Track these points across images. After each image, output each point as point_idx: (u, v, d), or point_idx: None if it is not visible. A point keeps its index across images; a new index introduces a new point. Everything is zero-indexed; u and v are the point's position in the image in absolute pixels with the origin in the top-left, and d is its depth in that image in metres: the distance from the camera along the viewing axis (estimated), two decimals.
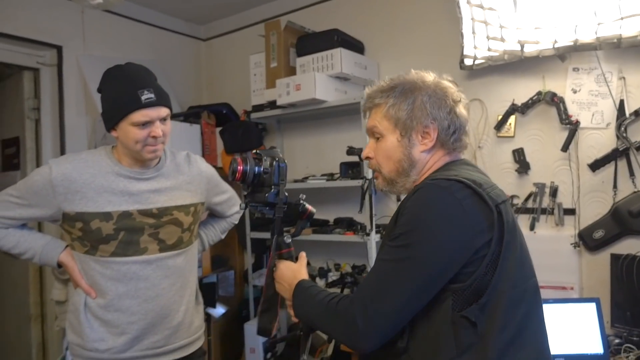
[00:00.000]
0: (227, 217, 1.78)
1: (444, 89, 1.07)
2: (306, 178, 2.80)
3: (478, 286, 0.92)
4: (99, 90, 1.47)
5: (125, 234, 1.43)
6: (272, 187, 1.18)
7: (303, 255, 1.21)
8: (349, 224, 2.60)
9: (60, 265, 1.50)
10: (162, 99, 1.42)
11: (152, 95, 1.38)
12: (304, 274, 1.16)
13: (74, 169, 1.41)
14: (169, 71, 3.21)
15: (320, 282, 2.67)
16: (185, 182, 1.56)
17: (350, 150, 2.56)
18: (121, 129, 1.40)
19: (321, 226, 2.73)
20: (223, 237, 1.85)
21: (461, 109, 1.08)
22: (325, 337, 2.47)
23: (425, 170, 1.08)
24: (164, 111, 1.42)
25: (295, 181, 2.83)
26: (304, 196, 1.78)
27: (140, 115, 1.37)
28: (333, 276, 2.69)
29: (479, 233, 0.92)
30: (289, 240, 1.23)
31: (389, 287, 0.93)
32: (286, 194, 1.18)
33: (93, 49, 2.92)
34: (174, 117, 1.89)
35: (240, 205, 1.23)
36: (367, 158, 1.14)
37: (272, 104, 2.74)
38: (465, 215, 0.92)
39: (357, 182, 2.47)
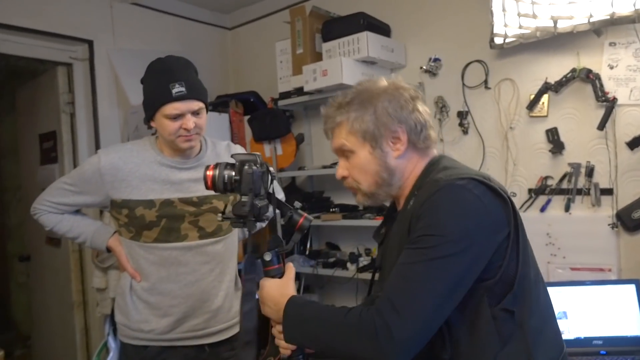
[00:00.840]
0: None
1: (400, 90, 1.05)
2: (334, 164, 2.79)
3: (507, 276, 0.93)
4: (142, 82, 1.54)
5: (167, 221, 1.51)
6: (243, 196, 1.08)
7: (290, 266, 1.10)
8: (379, 209, 2.60)
9: (109, 249, 1.60)
10: (193, 93, 1.46)
11: (183, 89, 1.43)
12: (292, 290, 1.05)
13: (120, 158, 1.50)
14: (196, 61, 3.18)
15: (352, 267, 2.68)
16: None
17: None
18: (156, 121, 1.48)
19: (351, 211, 2.73)
20: (264, 224, 1.88)
21: (421, 105, 1.06)
22: None
23: (407, 174, 1.06)
24: (195, 104, 1.46)
25: (324, 167, 2.84)
26: (299, 205, 1.78)
27: (171, 108, 1.43)
28: (364, 261, 2.70)
29: (500, 227, 0.93)
30: (269, 258, 1.09)
31: (421, 291, 0.88)
32: (258, 204, 1.07)
33: (122, 42, 2.97)
34: None
35: (219, 216, 1.15)
36: (343, 178, 1.10)
37: (299, 91, 2.74)
38: (487, 210, 0.92)
39: None
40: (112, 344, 2.57)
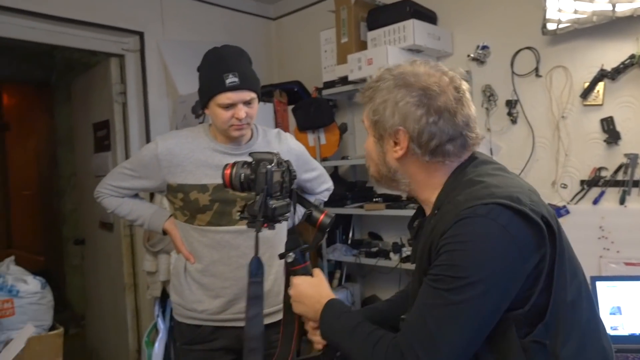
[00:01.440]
0: (317, 193, 1.83)
1: (437, 96, 0.91)
2: None
3: (537, 306, 0.85)
4: (198, 70, 1.59)
5: (219, 205, 1.56)
6: (258, 195, 1.07)
7: (318, 271, 1.08)
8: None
9: (165, 232, 1.67)
10: (246, 83, 1.50)
11: (236, 80, 1.47)
12: (327, 289, 1.03)
13: (176, 144, 1.56)
14: None
15: (394, 257, 2.68)
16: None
17: None
18: (210, 109, 1.53)
19: (394, 201, 2.72)
20: (288, 222, 1.90)
21: (461, 111, 0.92)
22: None
23: (421, 178, 0.96)
24: (247, 95, 1.50)
25: None
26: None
27: (224, 98, 1.48)
28: (407, 251, 2.69)
29: (529, 255, 0.84)
30: (290, 260, 1.06)
31: (445, 335, 0.82)
32: (273, 204, 1.04)
33: (171, 33, 3.05)
34: None
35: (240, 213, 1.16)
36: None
37: (344, 80, 2.73)
38: (513, 241, 0.82)
39: None
40: (161, 325, 2.67)
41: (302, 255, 1.06)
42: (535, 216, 0.84)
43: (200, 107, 1.60)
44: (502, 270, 0.82)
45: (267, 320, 1.63)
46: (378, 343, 0.89)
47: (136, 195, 1.72)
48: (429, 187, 0.97)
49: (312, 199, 1.83)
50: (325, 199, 1.89)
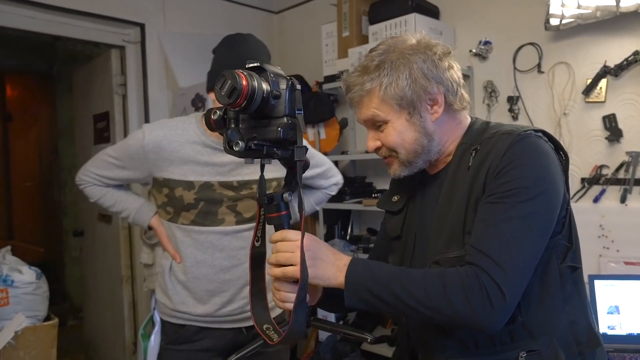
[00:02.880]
0: (324, 188, 1.75)
1: (432, 47, 0.96)
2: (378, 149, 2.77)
3: (567, 232, 0.93)
4: (214, 51, 1.52)
5: (204, 205, 1.48)
6: (285, 118, 0.84)
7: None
8: None
9: (150, 227, 1.60)
10: None
11: None
12: (335, 250, 0.94)
13: (164, 136, 1.47)
14: None
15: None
16: None
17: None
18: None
19: None
20: (318, 208, 1.82)
21: (454, 62, 0.99)
22: None
23: (447, 137, 1.00)
24: None
25: (367, 152, 2.81)
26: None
27: None
28: None
29: (563, 180, 0.93)
30: (290, 198, 0.91)
31: (522, 247, 0.84)
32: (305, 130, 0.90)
33: (172, 25, 3.04)
34: None
35: (237, 144, 0.83)
36: (376, 149, 1.01)
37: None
38: (558, 163, 0.92)
39: None
40: (157, 318, 2.67)
41: (281, 199, 0.90)
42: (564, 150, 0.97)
43: (207, 89, 1.51)
44: (559, 185, 0.90)
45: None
46: (444, 274, 0.85)
47: (121, 186, 1.64)
48: (453, 141, 1.01)
49: (319, 194, 1.76)
50: (334, 193, 1.80)
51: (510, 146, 0.88)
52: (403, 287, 0.86)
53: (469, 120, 1.04)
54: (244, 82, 0.78)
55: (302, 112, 0.86)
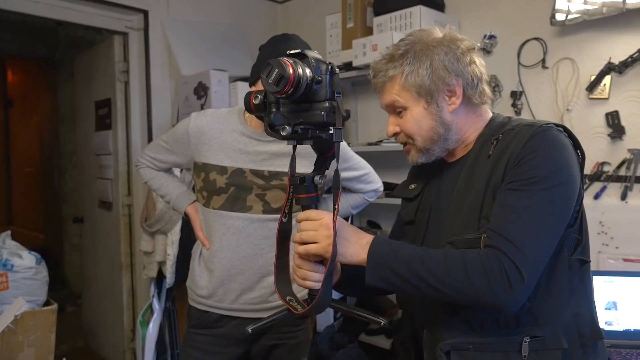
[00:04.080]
0: (362, 193, 1.77)
1: (456, 41, 1.02)
2: (380, 141, 2.77)
3: (579, 226, 0.96)
4: (260, 48, 1.58)
5: (234, 190, 1.53)
6: (327, 102, 0.87)
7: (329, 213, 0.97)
8: None
9: (186, 214, 1.69)
10: None
11: None
12: (357, 229, 0.98)
13: (206, 123, 1.56)
14: (246, 35, 3.26)
15: None
16: (305, 151, 1.56)
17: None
18: (259, 85, 1.49)
19: (394, 189, 2.69)
20: (354, 212, 1.84)
21: (477, 57, 1.03)
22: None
23: (467, 128, 1.04)
24: None
25: (369, 144, 2.81)
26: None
27: None
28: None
29: (579, 174, 0.96)
30: (321, 181, 0.94)
31: (540, 232, 0.88)
32: (344, 112, 0.92)
33: (176, 13, 3.02)
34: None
35: (284, 129, 0.87)
36: (395, 134, 1.07)
37: (348, 66, 2.70)
38: (575, 157, 0.96)
39: None
40: (156, 306, 2.68)
41: (312, 182, 0.93)
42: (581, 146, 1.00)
43: (250, 82, 1.58)
44: (577, 177, 0.93)
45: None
46: (466, 255, 0.89)
47: (170, 172, 1.77)
48: (473, 132, 1.05)
49: (357, 197, 1.77)
50: (372, 200, 1.81)
51: (532, 137, 0.92)
52: (425, 267, 0.89)
53: (490, 114, 1.07)
54: (291, 70, 0.81)
55: (340, 95, 0.89)
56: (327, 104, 0.87)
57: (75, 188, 4.23)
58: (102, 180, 3.22)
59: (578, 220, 0.95)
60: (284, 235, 1.01)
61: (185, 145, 1.58)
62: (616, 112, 2.13)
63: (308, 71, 0.84)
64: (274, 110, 0.89)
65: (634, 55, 2.05)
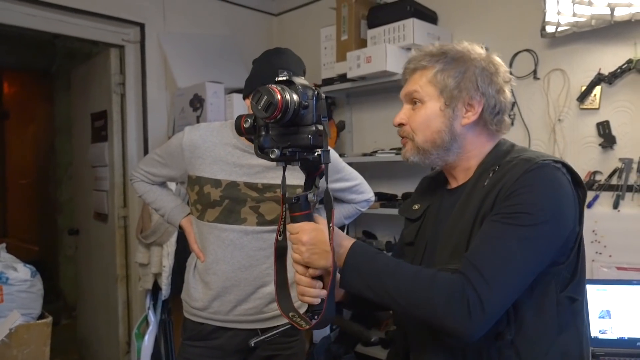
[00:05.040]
0: (355, 203, 1.78)
1: (496, 66, 1.02)
2: (375, 152, 2.79)
3: (572, 264, 0.94)
4: (253, 62, 1.61)
5: (229, 203, 1.55)
6: (314, 125, 0.91)
7: (322, 219, 1.00)
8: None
9: (181, 227, 1.70)
10: None
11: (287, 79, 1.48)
12: (344, 235, 0.99)
13: (200, 137, 1.57)
14: (242, 47, 3.30)
15: None
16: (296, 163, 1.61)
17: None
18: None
19: (389, 200, 2.72)
20: (347, 222, 1.86)
21: (508, 91, 1.04)
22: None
23: (470, 147, 1.03)
24: None
25: (364, 155, 2.83)
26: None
27: None
28: None
29: (577, 213, 0.94)
30: (315, 199, 0.98)
31: (511, 267, 0.87)
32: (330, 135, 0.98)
33: (172, 26, 3.05)
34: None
35: (273, 152, 0.92)
36: (400, 125, 1.06)
37: (342, 78, 2.73)
38: (573, 196, 0.93)
39: None
40: (152, 318, 2.67)
41: (306, 200, 0.97)
42: (583, 183, 0.97)
43: (243, 96, 1.60)
44: (567, 218, 0.91)
45: (271, 323, 1.61)
46: (436, 277, 0.89)
47: (164, 185, 1.77)
48: (476, 156, 1.04)
49: (349, 207, 1.78)
50: (364, 209, 1.83)
51: (526, 172, 0.91)
52: (392, 280, 0.91)
53: (497, 140, 1.06)
54: (279, 97, 0.86)
55: (327, 119, 0.93)
56: (314, 128, 0.91)
57: (71, 200, 4.23)
58: (98, 192, 3.22)
59: (571, 258, 0.94)
60: (280, 253, 1.03)
61: (179, 158, 1.59)
62: (607, 122, 2.16)
63: (295, 97, 0.89)
64: (263, 133, 0.93)
65: (623, 67, 2.09)
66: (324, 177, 0.98)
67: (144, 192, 1.74)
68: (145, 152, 2.92)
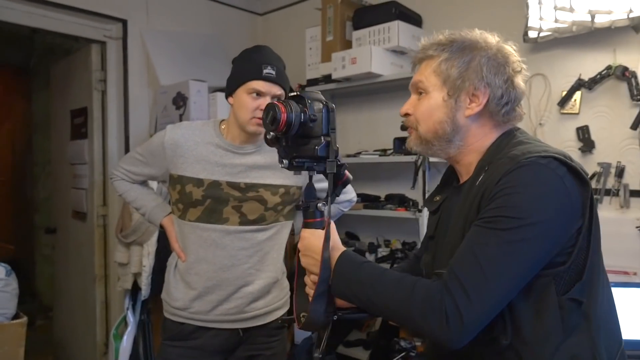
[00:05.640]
0: (337, 203, 1.78)
1: (506, 56, 0.99)
2: (359, 153, 2.80)
3: (577, 264, 0.88)
4: (233, 62, 1.60)
5: (211, 202, 1.54)
6: (322, 137, 0.95)
7: (333, 226, 1.01)
8: (400, 200, 2.59)
9: (162, 226, 1.68)
10: (280, 79, 1.52)
11: (273, 72, 1.50)
12: (340, 244, 1.00)
13: (182, 135, 1.56)
14: (227, 46, 3.27)
15: (370, 257, 2.68)
16: (276, 162, 1.59)
17: (405, 126, 2.53)
18: (237, 96, 1.53)
19: (372, 201, 2.73)
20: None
21: (519, 81, 1.00)
22: None
23: (473, 139, 1.00)
24: (277, 89, 1.52)
25: (348, 156, 2.83)
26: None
27: (256, 84, 1.49)
28: (383, 252, 2.70)
29: (577, 210, 0.87)
30: (325, 208, 1.01)
31: (493, 274, 0.83)
32: (337, 146, 0.97)
33: (156, 23, 3.01)
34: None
35: (282, 161, 0.99)
36: (406, 115, 1.05)
37: (327, 78, 2.74)
38: (567, 193, 0.86)
39: (410, 158, 2.45)
40: (131, 318, 2.63)
41: (316, 208, 1.01)
42: (585, 176, 0.89)
43: (226, 95, 1.58)
44: (557, 217, 0.85)
45: (252, 323, 1.61)
46: (416, 285, 0.88)
47: (145, 183, 1.75)
48: (477, 150, 1.01)
49: (332, 207, 1.76)
50: (346, 210, 1.85)
51: (506, 173, 0.87)
52: (374, 289, 0.91)
53: (501, 132, 1.01)
54: (283, 113, 0.92)
55: (335, 130, 0.98)
56: (322, 139, 0.95)
57: (49, 198, 4.14)
58: (77, 190, 3.16)
59: (572, 257, 0.87)
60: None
61: (161, 157, 1.58)
62: (586, 126, 2.21)
63: (302, 112, 0.94)
64: (283, 144, 0.99)
65: (602, 72, 2.13)
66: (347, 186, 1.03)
67: (124, 191, 1.71)
68: (127, 149, 2.88)
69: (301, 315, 1.01)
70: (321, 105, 0.96)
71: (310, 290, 1.00)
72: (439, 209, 1.10)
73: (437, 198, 1.13)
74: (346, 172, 1.02)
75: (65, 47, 3.58)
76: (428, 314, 0.84)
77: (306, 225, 1.02)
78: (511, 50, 1.01)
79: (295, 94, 0.98)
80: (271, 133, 0.96)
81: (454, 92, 0.98)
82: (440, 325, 0.83)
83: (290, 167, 0.98)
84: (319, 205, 1.01)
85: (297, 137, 0.96)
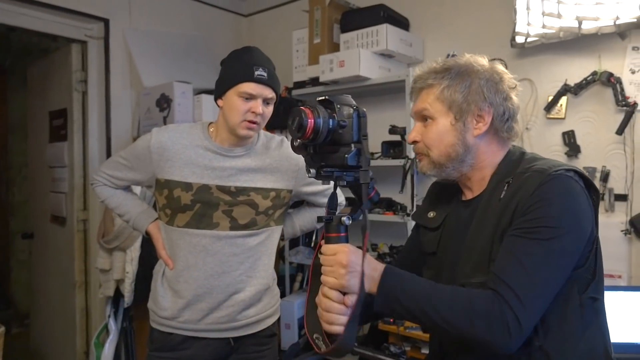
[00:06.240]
0: (322, 207, 1.73)
1: (500, 74, 1.05)
2: None
3: (591, 265, 0.97)
4: (221, 63, 1.55)
5: (200, 207, 1.49)
6: (352, 145, 0.88)
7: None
8: (388, 204, 2.58)
9: (148, 233, 1.62)
10: (272, 81, 1.48)
11: (265, 74, 1.45)
12: (372, 258, 0.98)
13: (169, 138, 1.51)
14: (211, 47, 3.22)
15: None
16: (271, 166, 1.56)
17: (393, 129, 2.52)
18: (227, 98, 1.48)
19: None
20: (319, 227, 1.82)
21: (515, 97, 1.07)
22: None
23: (484, 157, 1.06)
24: (269, 92, 1.48)
25: None
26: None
27: (248, 87, 1.44)
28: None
29: (593, 218, 0.98)
30: (349, 222, 0.94)
31: (541, 282, 0.91)
32: (369, 154, 0.92)
33: (138, 23, 2.95)
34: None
35: (309, 171, 0.93)
36: (414, 142, 1.09)
37: (314, 81, 2.71)
38: (589, 202, 0.97)
39: (398, 162, 2.44)
40: (112, 326, 2.56)
41: (339, 221, 0.94)
42: (596, 187, 1.01)
43: (215, 97, 1.53)
44: (584, 225, 0.95)
45: (243, 332, 1.57)
46: (472, 297, 0.92)
47: (128, 189, 1.69)
48: (489, 166, 1.07)
49: (320, 210, 1.73)
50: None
51: (540, 185, 0.94)
52: (430, 304, 0.92)
53: (508, 148, 1.09)
54: (310, 119, 0.85)
55: (367, 137, 0.91)
56: (352, 147, 0.88)
57: (25, 202, 4.02)
58: (56, 194, 3.07)
59: (589, 260, 0.97)
60: (317, 271, 0.99)
61: (147, 161, 1.52)
62: (572, 131, 2.23)
63: (331, 117, 0.87)
64: (311, 152, 0.93)
65: (588, 78, 2.16)
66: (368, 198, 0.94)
67: (106, 196, 1.65)
68: (108, 152, 2.81)
69: (315, 337, 0.96)
70: (351, 110, 0.90)
71: (339, 316, 0.92)
72: (440, 226, 1.14)
73: (432, 214, 1.17)
74: (374, 186, 0.95)
75: (43, 46, 3.48)
76: (492, 327, 0.89)
77: (328, 240, 0.94)
78: (503, 69, 1.08)
79: (323, 97, 0.91)
80: (298, 140, 0.90)
81: (460, 116, 1.03)
82: (503, 336, 0.88)
83: (317, 177, 0.93)
84: (343, 219, 0.94)
85: (326, 145, 0.90)
